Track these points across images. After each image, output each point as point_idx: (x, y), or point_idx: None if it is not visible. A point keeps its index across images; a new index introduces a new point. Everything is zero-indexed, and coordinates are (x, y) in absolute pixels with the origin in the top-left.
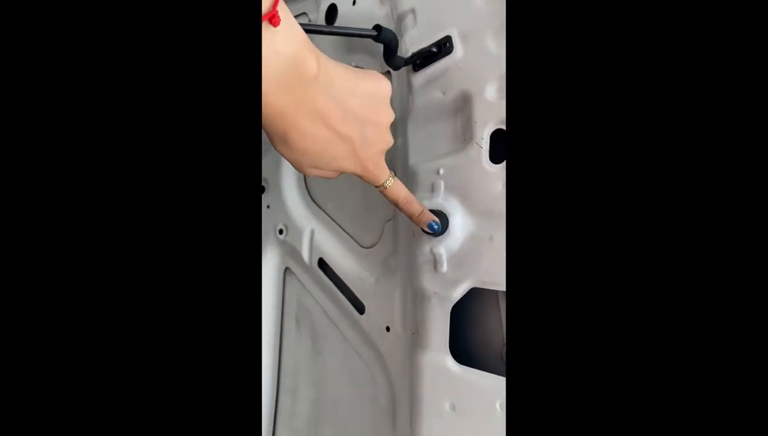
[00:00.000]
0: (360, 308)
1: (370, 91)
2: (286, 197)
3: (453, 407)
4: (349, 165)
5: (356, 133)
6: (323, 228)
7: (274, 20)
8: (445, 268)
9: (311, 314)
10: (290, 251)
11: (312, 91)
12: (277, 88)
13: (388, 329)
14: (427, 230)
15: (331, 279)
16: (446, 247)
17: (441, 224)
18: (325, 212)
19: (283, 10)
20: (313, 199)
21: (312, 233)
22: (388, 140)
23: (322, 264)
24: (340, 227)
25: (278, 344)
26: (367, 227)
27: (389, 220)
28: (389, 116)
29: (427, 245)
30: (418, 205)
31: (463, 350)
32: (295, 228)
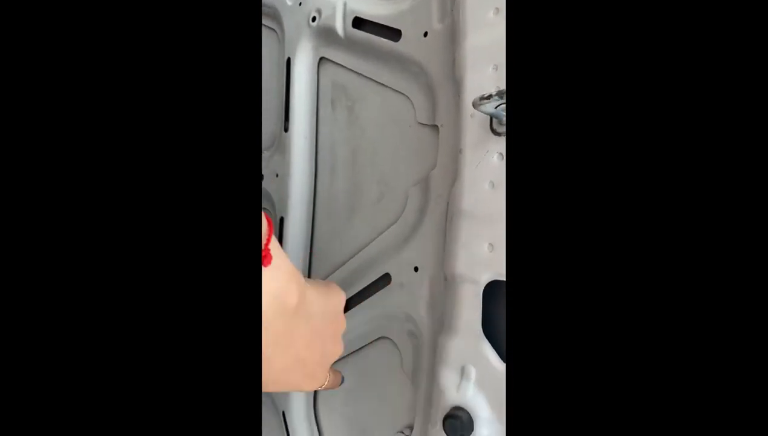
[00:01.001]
0: (395, 36)
1: (335, 308)
2: None
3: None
4: (300, 383)
5: (317, 354)
6: None
7: (265, 260)
8: None
9: (345, 87)
10: (324, 35)
11: (291, 324)
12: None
13: (425, 33)
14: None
15: (368, 31)
16: None
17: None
18: None
19: (273, 246)
20: None
21: (345, 3)
22: (340, 350)
23: (358, 22)
24: None
25: (315, 132)
26: None
27: None
28: (344, 325)
29: None
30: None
31: None
32: (328, 6)
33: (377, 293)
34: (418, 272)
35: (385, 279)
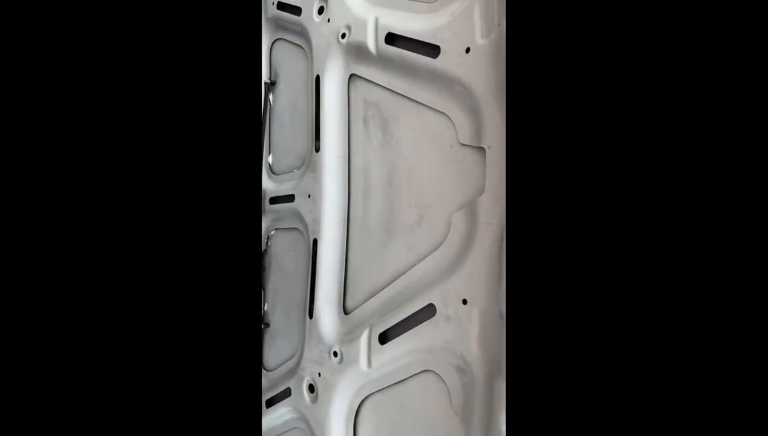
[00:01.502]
0: (433, 52)
1: None
2: None
3: None
4: None
5: None
6: (387, 9)
7: None
8: None
9: (378, 105)
10: (354, 52)
11: None
12: None
13: (467, 50)
14: None
15: (401, 47)
16: None
17: None
18: None
19: None
20: None
21: (376, 19)
22: None
23: (391, 38)
24: None
25: (347, 151)
26: None
27: None
28: None
29: None
30: None
31: None
32: (359, 22)
33: (421, 325)
34: (467, 305)
35: (428, 310)
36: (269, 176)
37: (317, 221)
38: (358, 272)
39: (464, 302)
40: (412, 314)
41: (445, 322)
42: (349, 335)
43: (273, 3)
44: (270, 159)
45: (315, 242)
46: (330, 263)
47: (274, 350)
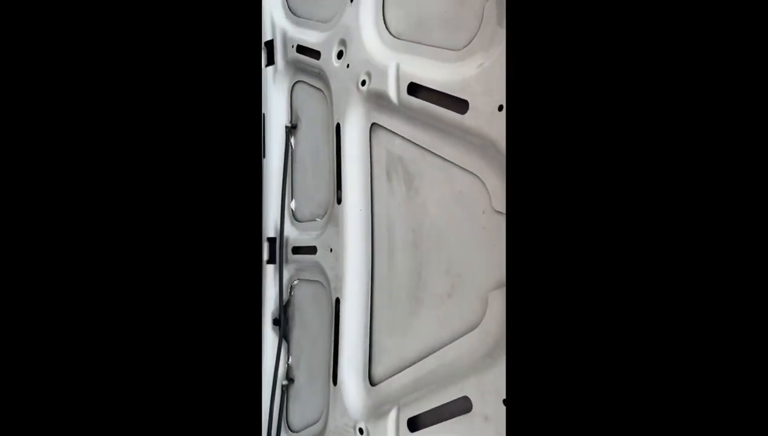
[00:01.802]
0: (462, 108)
1: None
2: (364, 44)
3: None
4: None
5: None
6: (409, 55)
7: None
8: None
9: (402, 158)
10: (375, 100)
11: None
12: None
13: (501, 107)
14: None
15: (426, 99)
16: None
17: None
18: (408, 41)
19: None
20: (393, 34)
21: (398, 66)
22: None
23: (413, 89)
24: (427, 44)
25: (370, 205)
26: (458, 26)
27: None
28: None
29: None
30: None
31: None
32: (379, 69)
33: (455, 419)
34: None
35: (463, 403)
36: (292, 223)
37: (340, 279)
38: (384, 339)
39: (505, 402)
40: (444, 404)
41: (483, 422)
42: (375, 411)
43: (293, 46)
44: (293, 205)
45: (338, 301)
46: (354, 326)
47: (299, 410)
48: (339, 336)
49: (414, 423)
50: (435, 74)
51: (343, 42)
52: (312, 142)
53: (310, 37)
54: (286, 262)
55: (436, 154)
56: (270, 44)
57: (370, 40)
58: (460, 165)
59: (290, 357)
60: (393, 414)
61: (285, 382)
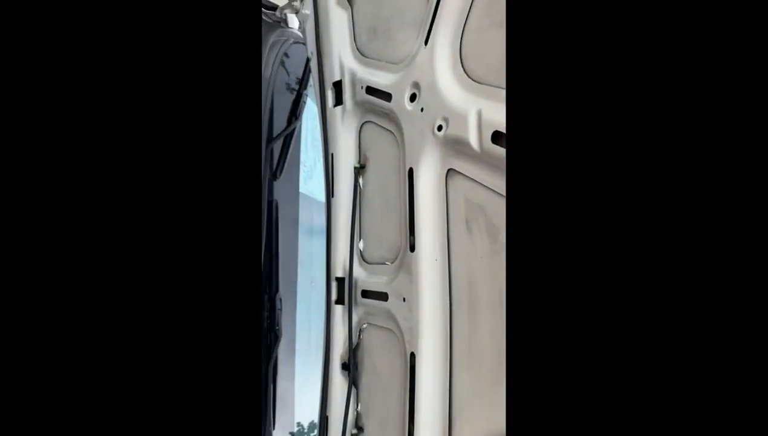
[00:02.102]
0: None
1: None
2: (440, 87)
3: None
4: None
5: None
6: (491, 102)
7: None
8: None
9: (484, 209)
10: (453, 146)
11: None
12: None
13: None
14: None
15: None
16: None
17: None
18: (489, 84)
19: None
20: (471, 78)
21: (479, 113)
22: None
23: (498, 137)
24: None
25: (447, 256)
26: None
27: None
28: None
29: None
30: None
31: None
32: (457, 115)
33: None
34: None
35: None
36: (360, 264)
37: (414, 332)
38: (466, 406)
39: None
40: None
41: None
42: None
43: (362, 87)
44: (361, 245)
45: (413, 355)
46: (431, 387)
47: None
48: (414, 395)
49: None
50: None
51: (416, 85)
52: (381, 184)
53: (381, 79)
54: (355, 304)
55: None
56: (338, 84)
57: (447, 83)
58: None
59: (359, 404)
60: None
61: (355, 431)
